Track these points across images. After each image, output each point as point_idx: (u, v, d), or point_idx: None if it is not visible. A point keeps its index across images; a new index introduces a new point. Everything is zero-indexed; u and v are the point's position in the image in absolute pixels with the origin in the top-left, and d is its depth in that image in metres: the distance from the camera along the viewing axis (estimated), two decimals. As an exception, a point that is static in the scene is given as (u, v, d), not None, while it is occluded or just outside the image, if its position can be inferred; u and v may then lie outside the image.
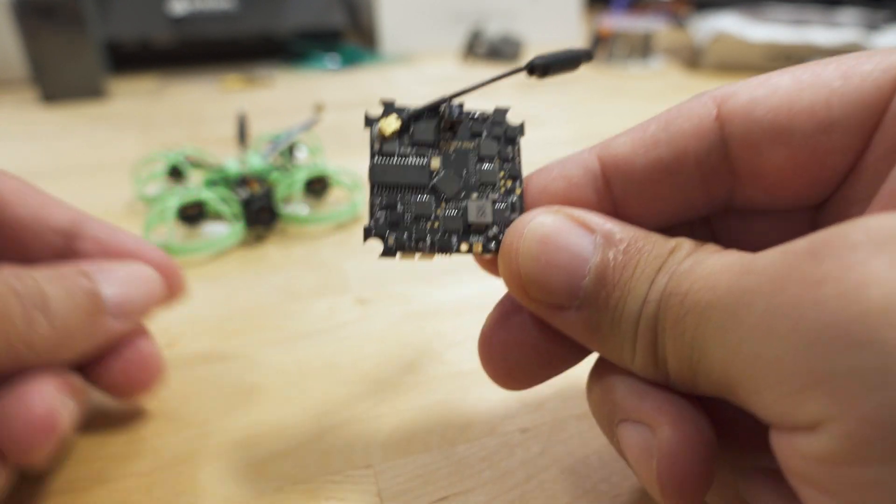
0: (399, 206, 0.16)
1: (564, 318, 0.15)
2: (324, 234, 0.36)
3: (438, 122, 0.17)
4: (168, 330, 0.27)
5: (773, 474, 0.15)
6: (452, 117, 0.17)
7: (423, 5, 0.82)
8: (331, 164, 0.40)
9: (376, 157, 0.17)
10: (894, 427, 0.10)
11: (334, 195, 0.40)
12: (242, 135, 0.46)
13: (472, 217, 0.16)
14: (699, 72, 0.74)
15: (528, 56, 0.80)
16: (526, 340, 0.17)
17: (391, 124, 0.17)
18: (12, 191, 0.21)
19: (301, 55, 0.78)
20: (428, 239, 0.16)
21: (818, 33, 0.70)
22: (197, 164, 0.40)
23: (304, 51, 0.78)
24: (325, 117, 0.57)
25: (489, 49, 0.78)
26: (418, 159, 0.17)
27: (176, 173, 0.40)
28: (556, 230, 0.15)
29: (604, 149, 0.17)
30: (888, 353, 0.10)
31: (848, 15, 0.78)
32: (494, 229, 0.17)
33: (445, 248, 0.16)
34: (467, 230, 0.17)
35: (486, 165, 0.17)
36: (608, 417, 0.16)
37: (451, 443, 0.21)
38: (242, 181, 0.37)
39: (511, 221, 0.17)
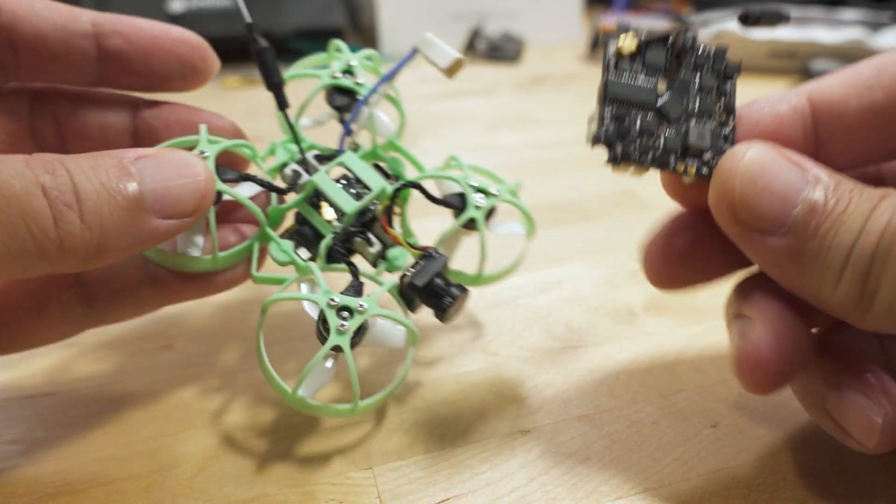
0: (627, 119, 0.18)
1: (766, 245, 0.16)
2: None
3: (668, 50, 0.19)
4: (166, 331, 0.27)
5: (861, 392, 0.17)
6: (686, 46, 0.18)
7: (423, 5, 0.82)
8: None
9: (612, 72, 0.18)
10: None
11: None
12: None
13: (693, 140, 0.18)
14: (700, 71, 0.74)
15: (529, 55, 0.80)
16: (688, 250, 0.20)
17: (630, 44, 0.18)
18: (22, 4, 0.20)
19: (301, 54, 0.78)
20: (649, 154, 0.18)
21: (821, 32, 0.69)
22: None
23: (303, 50, 0.78)
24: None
25: (489, 47, 0.78)
26: (647, 80, 0.18)
27: None
28: (773, 160, 0.16)
29: (816, 90, 0.18)
30: None
31: (851, 13, 0.78)
32: (709, 154, 0.18)
33: (664, 165, 0.18)
34: (685, 152, 0.18)
35: (705, 96, 0.18)
36: (730, 315, 0.19)
37: (451, 444, 0.21)
38: (361, 229, 0.22)
39: (724, 150, 0.18)
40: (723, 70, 0.19)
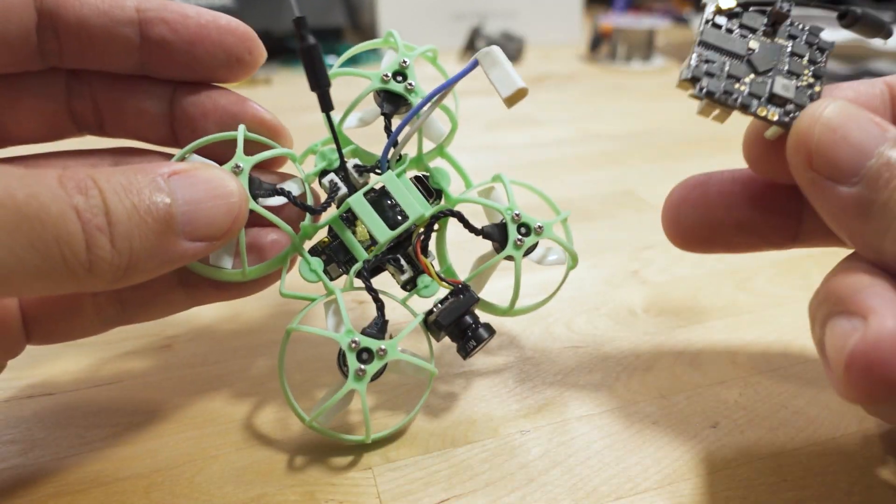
0: (716, 63, 0.19)
1: (836, 193, 0.17)
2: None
3: (766, 17, 0.20)
4: (165, 331, 0.27)
5: None
6: (782, 10, 0.20)
7: (424, 5, 0.82)
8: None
9: (709, 23, 0.19)
10: None
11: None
12: None
13: (778, 89, 0.19)
14: (700, 70, 0.74)
15: (529, 55, 0.79)
16: (717, 206, 0.21)
17: (727, 2, 0.20)
18: None
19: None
20: (734, 94, 0.19)
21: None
22: None
23: (304, 50, 0.77)
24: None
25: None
26: (741, 38, 0.20)
27: None
28: (856, 114, 0.17)
29: (892, 77, 0.20)
30: None
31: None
32: (792, 106, 0.19)
33: (747, 106, 0.19)
34: (769, 100, 0.19)
35: (796, 60, 0.20)
36: (824, 316, 0.17)
37: (451, 444, 0.21)
38: (393, 255, 0.22)
39: (806, 105, 0.18)
40: (817, 43, 0.20)
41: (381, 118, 0.23)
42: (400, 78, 0.23)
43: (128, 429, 0.22)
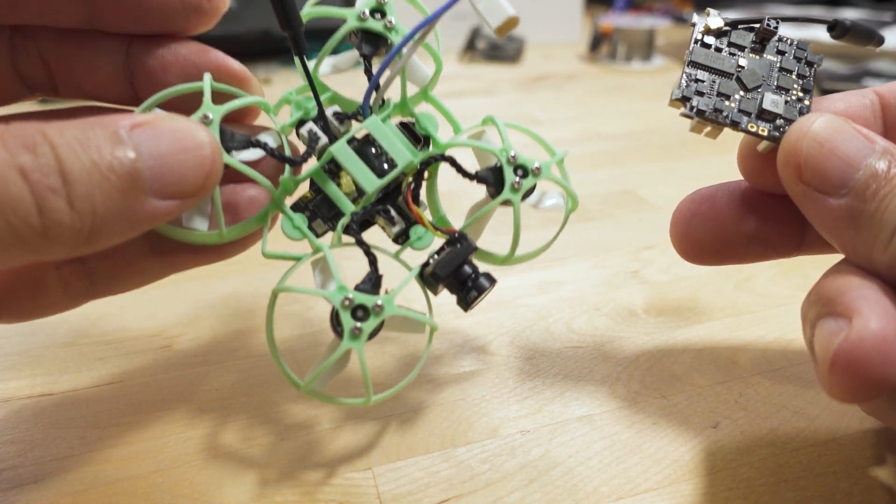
0: (706, 82, 0.20)
1: (825, 205, 0.17)
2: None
3: (753, 34, 0.21)
4: (165, 331, 0.27)
5: None
6: (769, 27, 0.20)
7: (424, 5, 0.82)
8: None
9: (698, 43, 0.20)
10: None
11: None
12: None
13: (767, 105, 0.19)
14: (700, 70, 0.74)
15: (529, 55, 0.79)
16: (726, 219, 0.21)
17: (716, 22, 0.20)
18: None
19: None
20: (724, 112, 0.19)
21: (822, 32, 0.69)
22: None
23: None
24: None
25: (490, 47, 0.78)
26: (730, 56, 0.20)
27: None
28: (843, 127, 0.18)
29: (883, 87, 0.20)
30: None
31: (852, 13, 0.78)
32: (781, 121, 0.19)
33: (737, 123, 0.19)
34: (759, 115, 0.19)
35: (785, 75, 0.20)
36: (814, 317, 0.17)
37: (451, 444, 0.21)
38: (382, 207, 0.21)
39: (796, 119, 0.19)
40: (805, 58, 0.21)
41: (358, 64, 0.21)
42: (378, 15, 0.21)
43: (128, 429, 0.22)
